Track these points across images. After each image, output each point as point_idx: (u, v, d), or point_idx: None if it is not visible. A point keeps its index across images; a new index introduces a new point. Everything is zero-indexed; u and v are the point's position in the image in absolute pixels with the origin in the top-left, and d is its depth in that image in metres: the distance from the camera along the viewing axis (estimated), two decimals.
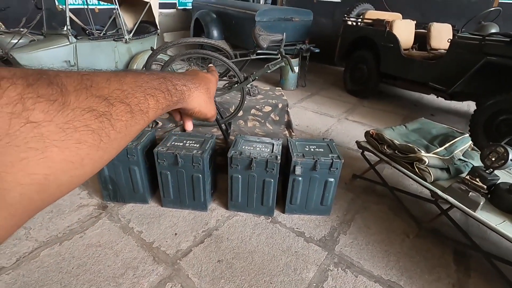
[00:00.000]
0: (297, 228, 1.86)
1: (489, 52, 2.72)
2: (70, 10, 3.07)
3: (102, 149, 0.23)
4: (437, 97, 3.52)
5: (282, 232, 1.82)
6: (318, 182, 1.84)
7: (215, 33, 4.97)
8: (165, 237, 1.74)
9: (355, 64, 4.31)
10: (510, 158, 1.56)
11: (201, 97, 0.39)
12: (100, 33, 3.46)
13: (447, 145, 1.93)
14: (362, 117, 3.66)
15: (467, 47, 2.91)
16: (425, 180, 1.72)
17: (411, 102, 4.35)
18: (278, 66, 2.24)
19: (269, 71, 2.21)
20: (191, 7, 6.04)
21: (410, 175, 1.78)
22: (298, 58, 4.37)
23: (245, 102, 2.21)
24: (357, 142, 2.13)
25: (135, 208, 1.95)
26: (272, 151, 1.84)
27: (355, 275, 1.56)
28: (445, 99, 3.40)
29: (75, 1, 5.00)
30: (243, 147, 1.88)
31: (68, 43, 2.92)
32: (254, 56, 2.21)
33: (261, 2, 6.31)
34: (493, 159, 1.61)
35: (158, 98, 0.30)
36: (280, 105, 2.40)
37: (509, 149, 1.56)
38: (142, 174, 1.88)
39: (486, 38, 2.75)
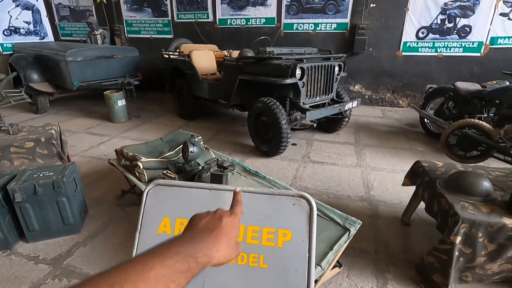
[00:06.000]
0: (34, 254, 1.91)
1: (242, 71, 3.45)
2: None
3: None
4: (233, 110, 4.21)
5: (14, 262, 1.84)
6: (48, 204, 1.95)
7: (34, 76, 4.77)
8: None
9: (179, 90, 4.77)
10: (190, 150, 2.01)
11: (222, 255, 0.42)
12: None
13: (177, 149, 2.35)
14: None
15: (232, 68, 3.63)
16: (141, 181, 2.04)
17: (231, 117, 5.04)
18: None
19: None
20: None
21: (134, 180, 2.08)
22: (122, 91, 4.57)
23: None
24: (108, 160, 2.36)
25: None
26: None
27: (69, 280, 1.70)
28: (240, 110, 4.10)
29: None
30: None
31: None
32: None
33: (99, 43, 6.40)
34: (185, 153, 2.05)
35: (180, 281, 0.33)
36: (43, 139, 2.48)
37: (189, 144, 2.02)
38: None
39: (239, 60, 3.50)
